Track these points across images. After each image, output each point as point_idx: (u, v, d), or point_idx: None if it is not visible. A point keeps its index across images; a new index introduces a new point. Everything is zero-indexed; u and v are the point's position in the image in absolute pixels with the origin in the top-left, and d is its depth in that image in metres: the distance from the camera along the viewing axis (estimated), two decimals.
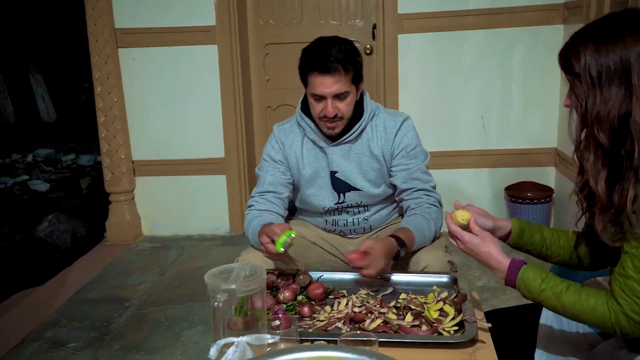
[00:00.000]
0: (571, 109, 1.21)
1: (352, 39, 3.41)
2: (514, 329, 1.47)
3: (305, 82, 1.80)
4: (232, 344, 1.11)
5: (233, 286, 1.14)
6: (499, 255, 1.29)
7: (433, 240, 1.82)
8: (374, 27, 3.60)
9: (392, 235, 1.66)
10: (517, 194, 3.40)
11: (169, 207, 3.81)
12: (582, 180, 1.22)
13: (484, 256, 1.31)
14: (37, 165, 6.88)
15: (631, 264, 1.12)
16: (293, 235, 1.59)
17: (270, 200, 1.87)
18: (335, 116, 1.76)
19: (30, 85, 9.77)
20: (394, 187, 1.88)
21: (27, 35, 9.24)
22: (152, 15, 3.54)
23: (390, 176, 1.87)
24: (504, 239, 1.43)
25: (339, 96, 1.74)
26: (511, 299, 2.67)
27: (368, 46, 3.63)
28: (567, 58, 1.17)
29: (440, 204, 1.86)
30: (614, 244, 1.17)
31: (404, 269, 1.75)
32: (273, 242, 1.60)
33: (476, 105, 3.52)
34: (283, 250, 1.57)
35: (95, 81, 3.60)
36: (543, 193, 3.38)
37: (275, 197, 1.87)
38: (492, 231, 1.40)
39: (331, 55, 1.71)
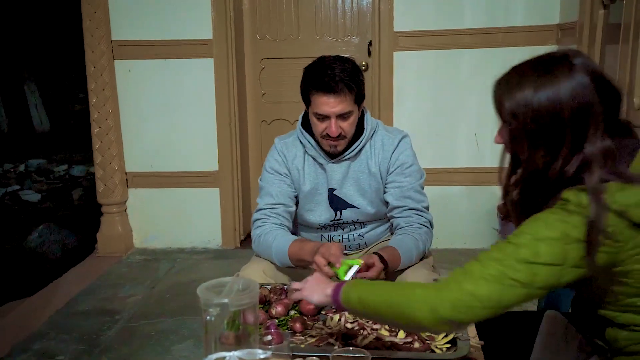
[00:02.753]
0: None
1: (348, 55, 3.44)
2: (507, 340, 1.46)
3: (307, 101, 1.79)
4: (223, 358, 1.10)
5: (225, 300, 1.13)
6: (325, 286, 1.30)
7: (421, 259, 1.81)
8: (370, 44, 3.63)
9: (377, 254, 1.65)
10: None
11: (161, 220, 3.79)
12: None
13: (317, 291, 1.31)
14: (29, 176, 6.84)
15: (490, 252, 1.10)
16: (358, 267, 1.55)
17: (282, 215, 1.85)
18: (339, 135, 1.77)
19: (25, 95, 9.74)
20: (386, 203, 1.88)
21: (22, 45, 9.24)
22: (149, 28, 3.55)
23: (384, 192, 1.88)
24: None
25: (342, 116, 1.74)
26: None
27: (364, 63, 3.66)
28: (498, 101, 1.17)
29: (431, 225, 1.86)
30: None
31: None
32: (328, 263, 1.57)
33: (471, 123, 3.55)
34: (347, 279, 1.53)
35: (90, 92, 3.60)
36: None
37: (285, 211, 1.86)
38: None
39: (335, 76, 1.70)
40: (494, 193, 3.57)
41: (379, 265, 1.59)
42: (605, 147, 1.07)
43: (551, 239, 1.04)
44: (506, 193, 1.20)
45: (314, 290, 1.32)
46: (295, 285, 1.38)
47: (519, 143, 1.13)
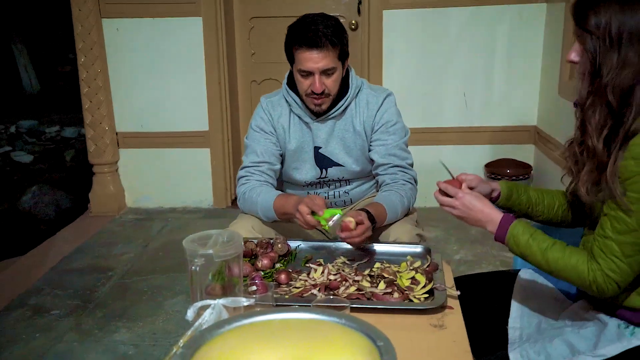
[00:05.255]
0: (579, 65, 1.20)
1: (337, 14, 3.41)
2: (484, 294, 1.52)
3: (291, 59, 1.81)
4: (208, 306, 1.15)
5: (210, 251, 1.18)
6: (491, 211, 1.34)
7: (405, 215, 1.86)
8: (360, 2, 3.60)
9: (363, 209, 1.69)
10: (496, 170, 3.46)
11: (153, 180, 3.83)
12: (580, 137, 1.23)
13: (477, 211, 1.34)
14: (21, 137, 6.83)
15: (610, 225, 1.17)
16: (339, 215, 1.60)
17: (267, 173, 1.88)
18: (323, 92, 1.78)
19: (13, 56, 9.61)
20: (371, 161, 1.92)
21: (9, 5, 9.06)
22: None
23: (369, 150, 1.91)
24: (493, 200, 1.47)
25: (326, 72, 1.76)
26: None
27: (353, 21, 3.63)
28: (584, 12, 1.15)
29: (416, 181, 1.90)
30: (592, 203, 1.22)
31: (374, 242, 1.79)
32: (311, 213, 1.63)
33: (459, 82, 3.56)
34: (330, 225, 1.59)
35: (78, 51, 3.58)
36: (522, 170, 3.44)
37: (270, 169, 1.89)
38: (489, 194, 1.44)
39: (319, 31, 1.72)
40: (481, 152, 3.62)
41: (367, 223, 1.63)
42: None
43: None
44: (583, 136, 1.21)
45: (472, 208, 1.34)
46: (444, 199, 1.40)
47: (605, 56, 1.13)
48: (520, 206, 1.47)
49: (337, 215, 1.61)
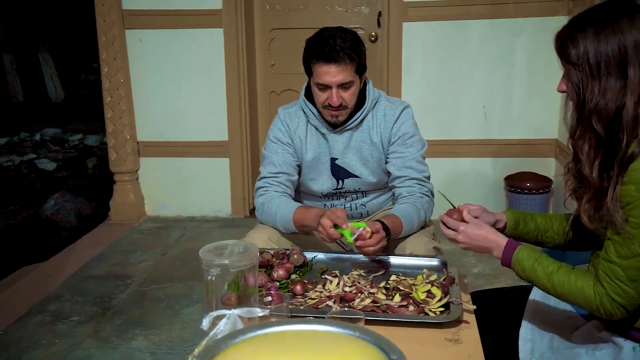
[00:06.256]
0: (567, 96, 1.22)
1: (357, 26, 3.43)
2: (500, 310, 1.51)
3: (309, 72, 1.83)
4: (224, 316, 1.16)
5: (226, 261, 1.19)
6: (495, 236, 1.34)
7: (422, 228, 1.86)
8: (379, 14, 3.62)
9: (379, 221, 1.69)
10: (516, 184, 3.43)
11: (172, 188, 3.86)
12: (575, 167, 1.25)
13: (481, 239, 1.35)
14: (45, 145, 6.95)
15: (614, 250, 1.16)
16: (363, 228, 1.60)
17: (284, 184, 1.89)
18: (340, 105, 1.80)
19: (39, 65, 9.81)
20: (388, 173, 1.92)
21: (36, 15, 9.27)
22: None
23: (386, 163, 1.91)
24: (500, 231, 1.46)
25: (343, 85, 1.77)
26: (505, 286, 2.71)
27: (373, 33, 3.65)
28: (565, 45, 1.18)
29: (432, 194, 1.90)
30: (596, 229, 1.21)
31: (390, 254, 1.79)
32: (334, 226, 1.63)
33: (479, 94, 3.55)
34: (354, 240, 1.59)
35: (102, 62, 3.64)
36: (542, 183, 3.41)
37: (287, 180, 1.90)
38: (493, 225, 1.44)
39: (337, 45, 1.73)
40: (501, 165, 3.59)
41: (382, 232, 1.63)
42: None
43: None
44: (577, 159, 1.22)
45: (476, 237, 1.35)
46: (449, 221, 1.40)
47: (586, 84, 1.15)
48: (529, 234, 1.47)
49: (361, 228, 1.60)
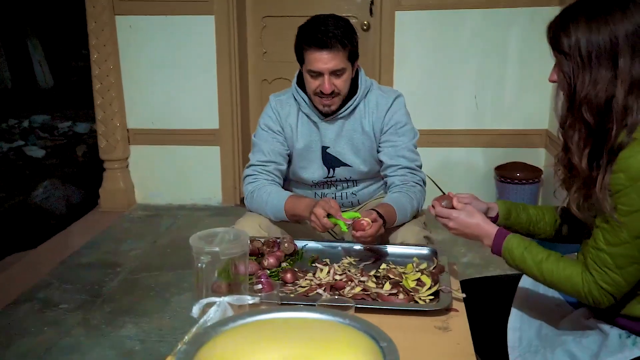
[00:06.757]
0: (558, 85, 1.23)
1: (350, 14, 3.41)
2: (489, 298, 1.52)
3: (301, 59, 1.81)
4: (214, 303, 1.15)
5: (217, 249, 1.18)
6: (486, 225, 1.35)
7: (413, 218, 1.86)
8: (372, 3, 3.60)
9: (373, 209, 1.70)
10: (506, 174, 3.44)
11: (163, 176, 3.85)
12: (565, 156, 1.25)
13: (473, 227, 1.35)
14: (33, 132, 6.88)
15: (602, 237, 1.17)
16: (358, 218, 1.62)
17: (273, 173, 1.89)
18: (332, 92, 1.79)
19: (28, 51, 9.69)
20: (380, 162, 1.92)
21: (24, 0, 9.15)
22: None
23: (378, 152, 1.91)
24: (493, 221, 1.47)
25: (335, 73, 1.76)
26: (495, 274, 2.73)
27: (365, 22, 3.63)
28: (557, 35, 1.18)
29: (424, 183, 1.90)
30: (585, 218, 1.22)
31: (381, 244, 1.79)
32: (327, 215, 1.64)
33: (471, 84, 3.55)
34: (348, 230, 1.61)
35: (91, 48, 3.60)
36: (532, 174, 3.43)
37: (276, 169, 1.89)
38: (485, 213, 1.44)
39: (329, 32, 1.72)
40: (492, 155, 3.60)
41: (379, 220, 1.64)
42: None
43: None
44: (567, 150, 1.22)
45: (468, 225, 1.36)
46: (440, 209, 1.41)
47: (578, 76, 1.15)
48: (521, 225, 1.48)
49: (355, 218, 1.62)
